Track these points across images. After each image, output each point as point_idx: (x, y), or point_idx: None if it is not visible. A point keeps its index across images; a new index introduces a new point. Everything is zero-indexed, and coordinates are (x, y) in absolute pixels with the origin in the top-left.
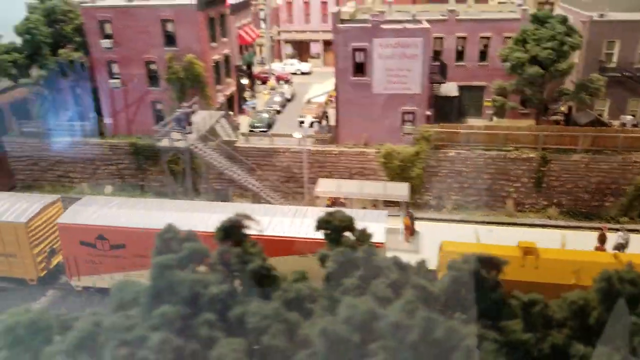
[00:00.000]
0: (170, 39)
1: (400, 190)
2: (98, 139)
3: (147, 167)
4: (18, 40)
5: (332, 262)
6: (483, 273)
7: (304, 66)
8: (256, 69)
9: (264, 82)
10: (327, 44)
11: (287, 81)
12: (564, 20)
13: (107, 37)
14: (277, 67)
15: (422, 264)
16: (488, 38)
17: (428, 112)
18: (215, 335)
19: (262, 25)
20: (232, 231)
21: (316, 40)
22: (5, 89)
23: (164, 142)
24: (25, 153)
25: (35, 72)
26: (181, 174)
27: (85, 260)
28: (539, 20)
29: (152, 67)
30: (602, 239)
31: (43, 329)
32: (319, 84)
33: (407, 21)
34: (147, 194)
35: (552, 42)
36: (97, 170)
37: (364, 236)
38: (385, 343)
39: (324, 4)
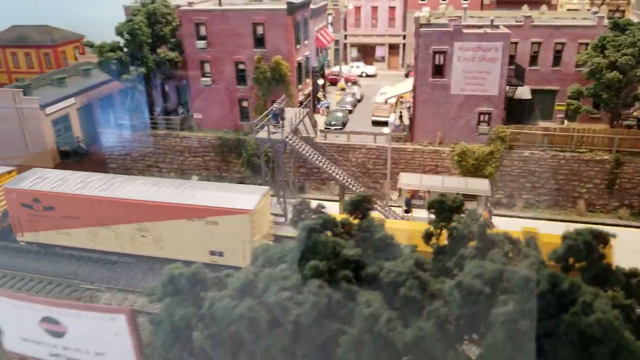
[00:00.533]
0: (259, 41)
1: (481, 185)
2: (186, 132)
3: (230, 160)
4: (104, 39)
5: (449, 237)
6: (593, 243)
7: (369, 69)
8: (326, 71)
9: (333, 83)
10: (392, 47)
11: (354, 83)
12: None
13: (202, 38)
14: (344, 69)
15: (531, 239)
16: (563, 44)
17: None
18: (353, 289)
19: (330, 28)
20: (359, 205)
21: (382, 44)
22: (94, 86)
23: (261, 134)
24: (118, 144)
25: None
26: (261, 166)
27: (26, 220)
28: (619, 27)
29: (241, 66)
30: None
31: (201, 281)
32: (388, 85)
33: (487, 26)
34: (230, 182)
35: (632, 49)
36: (185, 161)
37: (474, 215)
38: (514, 295)
39: (392, 9)
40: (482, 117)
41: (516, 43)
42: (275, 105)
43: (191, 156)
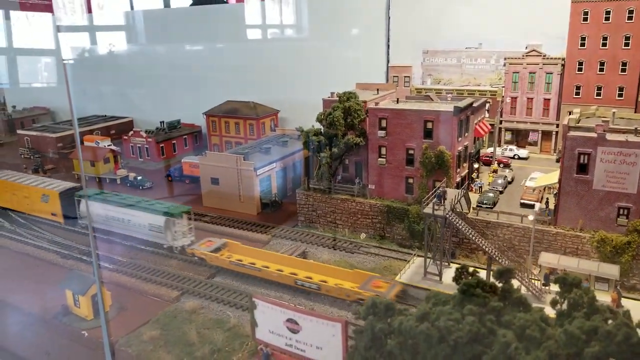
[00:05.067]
0: (427, 133)
1: (611, 270)
2: (361, 198)
3: (394, 224)
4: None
5: (568, 303)
6: None
7: (522, 152)
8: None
9: (486, 164)
10: (544, 133)
11: (507, 165)
12: None
13: (382, 129)
14: (497, 151)
15: (626, 311)
16: None
17: None
18: (494, 327)
19: (486, 114)
20: (504, 274)
21: (535, 130)
22: (289, 154)
23: (427, 210)
24: (308, 203)
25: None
26: (420, 233)
27: None
28: None
29: (410, 152)
30: None
31: (392, 307)
32: (537, 171)
33: (631, 131)
34: (391, 244)
35: None
36: (357, 221)
37: (586, 290)
38: (601, 343)
39: (547, 100)
40: (621, 211)
41: None
42: (440, 188)
43: (362, 217)
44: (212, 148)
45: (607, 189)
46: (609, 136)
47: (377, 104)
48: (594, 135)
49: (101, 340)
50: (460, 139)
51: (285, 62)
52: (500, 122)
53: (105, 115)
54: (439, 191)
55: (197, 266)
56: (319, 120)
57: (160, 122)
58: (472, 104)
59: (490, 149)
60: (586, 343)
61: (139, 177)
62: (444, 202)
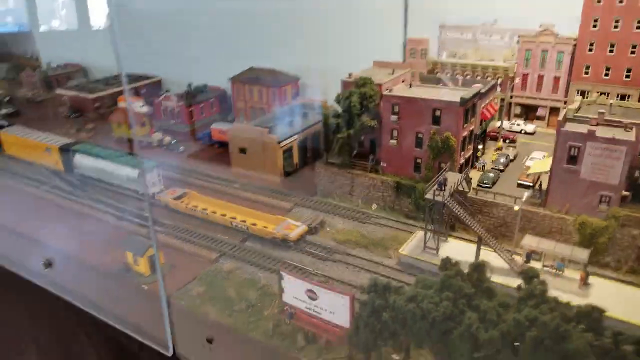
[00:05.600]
0: (435, 120)
1: (582, 254)
2: (373, 174)
3: (402, 198)
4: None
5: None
6: None
7: (529, 127)
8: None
9: (493, 138)
10: (552, 109)
11: (512, 141)
12: None
13: (394, 113)
14: (505, 125)
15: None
16: None
17: (626, 193)
18: (465, 309)
19: (498, 89)
20: (478, 268)
21: (544, 106)
22: (308, 127)
23: (429, 195)
24: (326, 175)
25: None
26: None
27: None
28: None
29: (419, 135)
30: None
31: (389, 287)
32: (538, 150)
33: (622, 126)
34: (399, 215)
35: None
36: (369, 194)
37: (543, 285)
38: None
39: (557, 79)
40: (603, 199)
41: None
42: (441, 176)
43: (374, 191)
44: (237, 112)
45: (593, 179)
46: (598, 132)
47: (390, 90)
48: (584, 132)
49: (158, 294)
50: (465, 125)
51: (308, 29)
52: (511, 97)
53: (133, 74)
54: (440, 179)
55: (231, 230)
56: (337, 101)
57: (188, 85)
58: (479, 92)
59: (499, 124)
60: (528, 328)
61: (173, 141)
62: (444, 188)
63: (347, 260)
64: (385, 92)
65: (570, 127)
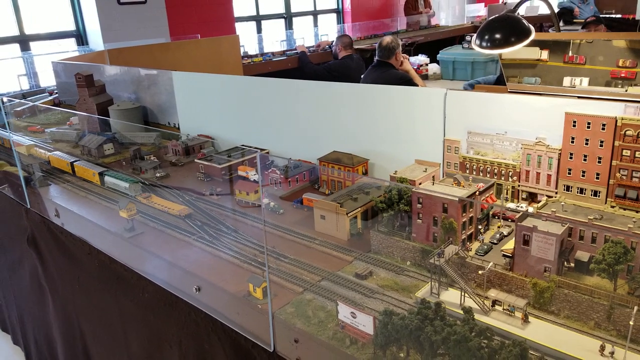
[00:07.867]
0: (444, 209)
1: (521, 302)
2: (407, 241)
3: (425, 259)
4: None
5: None
6: None
7: (529, 209)
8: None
9: (496, 216)
10: (548, 196)
11: (512, 220)
12: None
13: (419, 203)
14: (511, 206)
15: None
16: None
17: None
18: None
19: (510, 179)
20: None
21: (542, 194)
22: (366, 202)
23: (431, 260)
24: (377, 239)
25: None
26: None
27: None
28: None
29: (435, 218)
30: None
31: (392, 312)
32: None
33: (564, 220)
34: (423, 270)
35: None
36: (405, 253)
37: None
38: None
39: (549, 175)
40: (546, 269)
41: None
42: (440, 249)
43: (408, 252)
44: (322, 183)
45: (539, 256)
46: (540, 227)
47: (420, 184)
48: (531, 225)
49: (267, 311)
50: (464, 214)
51: (378, 120)
52: (518, 186)
53: (244, 146)
54: (439, 250)
55: (311, 274)
56: (385, 191)
57: (288, 160)
58: (476, 192)
59: (508, 204)
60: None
61: (275, 205)
62: (442, 256)
63: (382, 298)
64: (413, 189)
65: (525, 222)
